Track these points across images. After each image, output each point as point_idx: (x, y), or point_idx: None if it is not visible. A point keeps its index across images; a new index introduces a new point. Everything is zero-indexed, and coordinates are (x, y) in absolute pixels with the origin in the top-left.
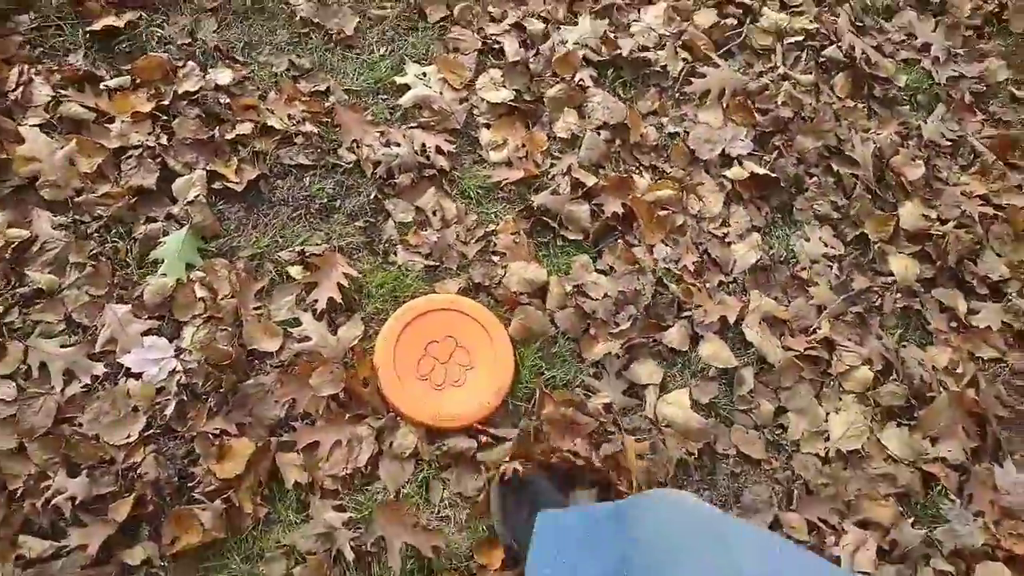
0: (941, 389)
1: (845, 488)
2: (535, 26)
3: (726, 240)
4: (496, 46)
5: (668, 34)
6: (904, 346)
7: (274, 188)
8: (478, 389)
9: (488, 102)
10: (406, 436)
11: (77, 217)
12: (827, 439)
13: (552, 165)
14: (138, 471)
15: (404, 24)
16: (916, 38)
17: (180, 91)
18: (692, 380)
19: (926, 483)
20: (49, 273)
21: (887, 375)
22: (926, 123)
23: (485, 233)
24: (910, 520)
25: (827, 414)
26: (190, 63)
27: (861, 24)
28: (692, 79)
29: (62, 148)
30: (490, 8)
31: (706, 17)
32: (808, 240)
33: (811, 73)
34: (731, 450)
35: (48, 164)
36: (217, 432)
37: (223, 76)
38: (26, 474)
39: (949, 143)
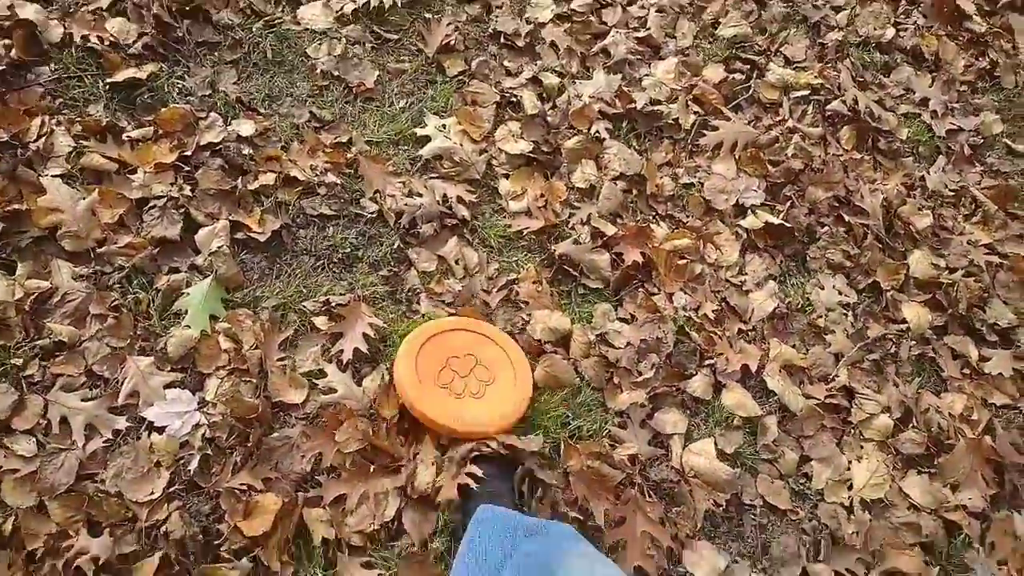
0: (959, 437)
1: (870, 538)
2: (551, 80)
3: (744, 288)
4: (514, 99)
5: (679, 88)
6: (920, 393)
7: (297, 238)
8: (499, 403)
9: (507, 153)
10: (425, 472)
11: (98, 268)
12: (851, 488)
13: (571, 215)
14: (162, 529)
15: (423, 77)
16: (914, 92)
17: (202, 142)
18: (716, 429)
19: (950, 532)
20: (69, 325)
21: (906, 423)
22: (929, 174)
23: (507, 282)
24: (935, 569)
25: (849, 462)
26: (212, 114)
27: (862, 79)
28: (704, 132)
29: (84, 199)
30: (506, 63)
31: (714, 72)
32: (823, 288)
33: (818, 126)
34: (757, 500)
35: (69, 215)
36: (243, 488)
37: (245, 127)
38: (46, 534)
39: (952, 193)
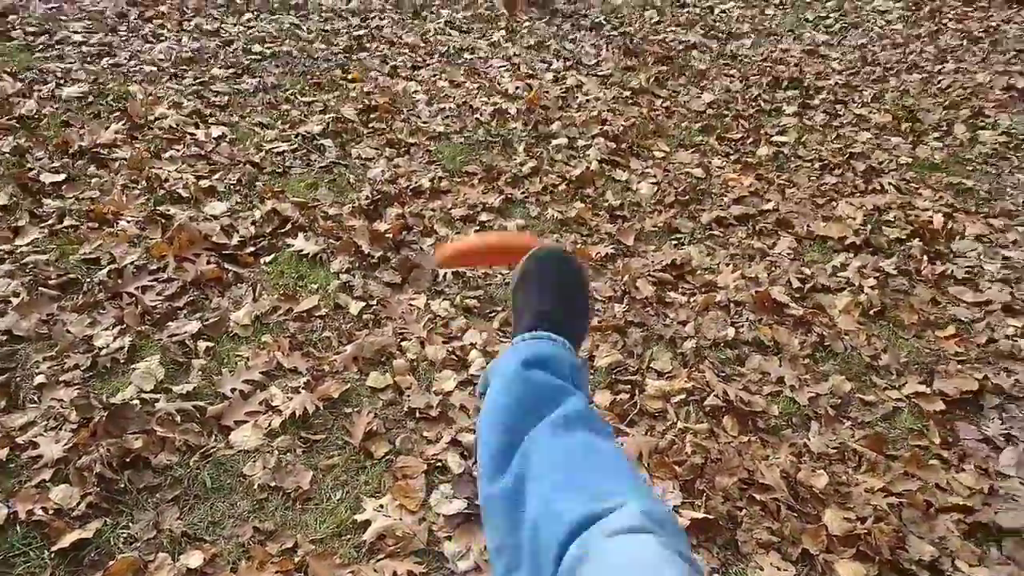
0: None
1: None
2: (468, 438)
3: None
4: (439, 464)
5: None
6: None
7: None
8: None
9: (444, 516)
10: None
11: None
12: None
13: None
14: None
15: (354, 466)
16: (770, 374)
17: None
18: None
19: None
20: None
21: None
22: (810, 439)
23: None
24: None
25: None
26: (160, 555)
27: (724, 373)
28: None
29: None
30: (426, 433)
31: (603, 397)
32: (762, 569)
33: (703, 422)
34: None
35: None
36: None
37: (193, 559)
38: None
39: (835, 450)
